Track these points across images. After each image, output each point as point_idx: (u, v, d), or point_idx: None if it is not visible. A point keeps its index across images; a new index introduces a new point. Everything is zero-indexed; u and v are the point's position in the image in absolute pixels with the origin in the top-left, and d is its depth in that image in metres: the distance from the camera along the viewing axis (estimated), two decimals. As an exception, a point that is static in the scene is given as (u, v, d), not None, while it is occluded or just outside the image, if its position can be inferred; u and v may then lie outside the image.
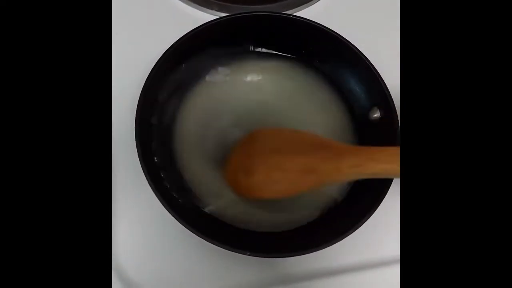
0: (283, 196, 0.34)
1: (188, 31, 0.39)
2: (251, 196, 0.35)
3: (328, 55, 0.43)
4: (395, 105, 0.38)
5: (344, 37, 0.40)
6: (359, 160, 0.31)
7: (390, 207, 0.34)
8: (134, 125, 0.35)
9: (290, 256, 0.35)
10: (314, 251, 0.33)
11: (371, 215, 0.34)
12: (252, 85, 0.43)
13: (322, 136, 0.35)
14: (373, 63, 0.39)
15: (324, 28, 0.40)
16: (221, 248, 0.33)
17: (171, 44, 0.38)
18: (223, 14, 0.45)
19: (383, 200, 0.34)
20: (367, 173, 0.31)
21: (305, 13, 0.48)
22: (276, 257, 0.37)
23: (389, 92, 0.38)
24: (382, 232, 0.39)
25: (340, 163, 0.31)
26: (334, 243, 0.33)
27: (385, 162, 0.30)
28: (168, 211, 0.33)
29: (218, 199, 0.38)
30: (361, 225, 0.34)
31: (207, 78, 0.43)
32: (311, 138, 0.35)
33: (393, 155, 0.29)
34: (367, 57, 0.39)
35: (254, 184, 0.34)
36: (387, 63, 0.39)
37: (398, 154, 0.28)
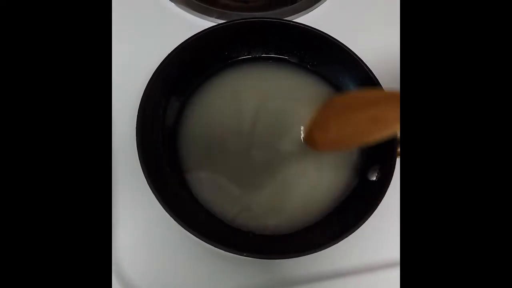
0: (350, 148, 0.40)
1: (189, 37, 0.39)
2: (326, 148, 0.40)
3: (327, 61, 0.43)
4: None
5: (343, 42, 0.40)
6: None
7: (389, 209, 0.34)
8: (134, 128, 0.35)
9: (287, 258, 0.35)
10: (312, 252, 0.33)
11: (369, 217, 0.34)
12: (253, 89, 0.43)
13: (388, 91, 0.37)
14: (371, 69, 0.39)
15: (323, 34, 0.40)
16: (221, 251, 0.33)
17: (172, 50, 0.38)
18: (223, 21, 0.46)
19: (382, 202, 0.34)
20: None
21: (304, 19, 0.48)
22: (273, 259, 0.37)
23: (387, 97, 0.38)
24: (381, 234, 0.39)
25: None
26: (333, 244, 0.33)
27: None
28: (167, 212, 0.33)
29: (219, 201, 0.39)
30: (359, 227, 0.34)
31: (208, 81, 0.43)
32: (378, 93, 0.38)
33: None
34: (366, 63, 0.40)
35: (328, 138, 0.39)
36: (386, 69, 0.39)
37: None
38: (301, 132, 0.42)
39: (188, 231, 0.33)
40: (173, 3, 0.49)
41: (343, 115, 0.38)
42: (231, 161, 0.40)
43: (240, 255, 0.33)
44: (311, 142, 0.41)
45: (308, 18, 0.49)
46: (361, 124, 0.35)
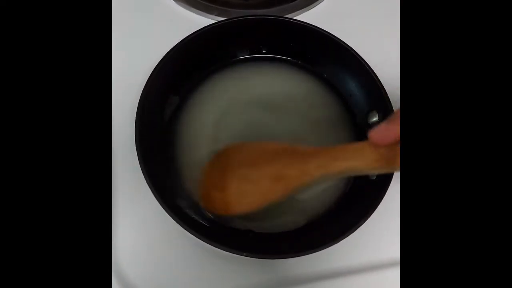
0: (255, 208, 0.34)
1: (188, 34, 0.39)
2: (225, 212, 0.35)
3: (327, 59, 0.43)
4: (394, 109, 0.38)
5: (343, 40, 0.40)
6: (323, 161, 0.31)
7: (389, 209, 0.34)
8: (134, 127, 0.35)
9: (288, 258, 0.35)
10: (312, 252, 0.33)
11: (369, 217, 0.34)
12: (252, 88, 0.43)
13: (287, 144, 0.35)
14: (372, 67, 0.39)
15: (324, 32, 0.40)
16: (220, 251, 0.33)
17: (171, 47, 0.38)
18: (223, 19, 0.46)
19: (382, 201, 0.34)
20: (334, 172, 0.31)
21: (305, 17, 0.48)
22: (273, 258, 0.37)
23: (387, 96, 0.38)
24: (381, 233, 0.39)
25: (306, 166, 0.32)
26: (333, 244, 0.33)
27: (348, 159, 0.30)
28: (166, 211, 0.33)
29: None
30: (359, 227, 0.34)
31: (208, 79, 0.43)
32: (276, 147, 0.35)
33: (355, 151, 0.30)
34: (366, 61, 0.40)
35: (226, 199, 0.35)
36: (386, 66, 0.39)
37: (360, 150, 0.29)
38: (297, 135, 0.41)
39: (188, 231, 0.33)
40: (173, 1, 0.48)
41: (241, 170, 0.35)
42: None
43: (240, 254, 0.33)
44: (208, 203, 0.36)
45: (308, 16, 0.49)
46: (261, 182, 0.33)
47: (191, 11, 0.48)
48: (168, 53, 0.38)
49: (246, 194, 0.34)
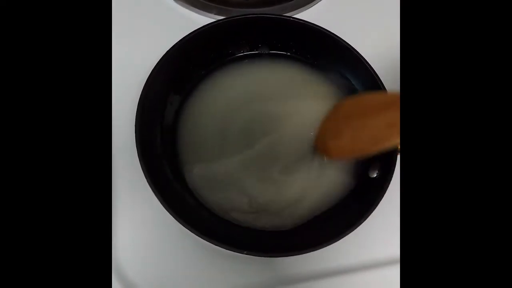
0: (367, 153, 0.36)
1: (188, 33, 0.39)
2: (342, 156, 0.39)
3: (327, 57, 0.43)
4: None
5: (343, 38, 0.40)
6: None
7: (389, 207, 0.34)
8: (134, 126, 0.35)
9: (288, 256, 0.35)
10: (312, 250, 0.33)
11: (369, 215, 0.34)
12: (253, 84, 0.43)
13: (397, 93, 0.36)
14: (372, 65, 0.39)
15: (324, 30, 0.40)
16: (221, 249, 0.33)
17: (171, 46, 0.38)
18: (222, 17, 0.46)
19: (382, 200, 0.34)
20: None
21: (304, 15, 0.48)
22: (273, 257, 0.37)
23: (388, 94, 0.38)
24: (381, 232, 0.39)
25: None
26: (333, 243, 0.33)
27: None
28: (167, 210, 0.33)
29: (219, 199, 0.39)
30: (359, 225, 0.34)
31: (208, 78, 0.43)
32: (387, 97, 0.37)
33: None
34: (366, 59, 0.39)
35: (342, 145, 0.38)
36: (386, 65, 0.39)
37: None
38: (301, 128, 0.41)
39: (189, 230, 0.33)
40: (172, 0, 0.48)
41: (356, 120, 0.37)
42: (230, 158, 0.40)
43: (241, 253, 0.33)
44: (324, 150, 0.40)
45: (308, 14, 0.49)
46: (376, 128, 0.35)
47: (190, 10, 0.48)
48: (167, 52, 0.38)
49: (359, 142, 0.36)
